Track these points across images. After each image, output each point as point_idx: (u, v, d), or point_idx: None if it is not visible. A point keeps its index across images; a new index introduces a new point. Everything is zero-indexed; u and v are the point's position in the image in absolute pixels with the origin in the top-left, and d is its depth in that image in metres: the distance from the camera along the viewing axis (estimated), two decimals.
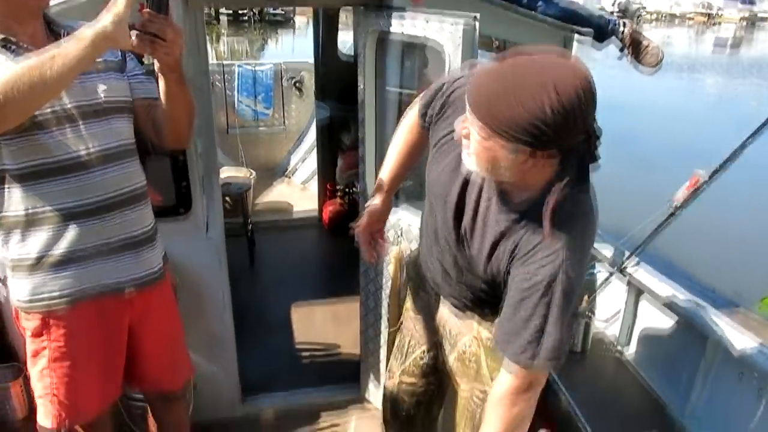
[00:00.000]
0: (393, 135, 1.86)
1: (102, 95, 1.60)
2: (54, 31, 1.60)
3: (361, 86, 2.53)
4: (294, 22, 32.26)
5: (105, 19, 1.31)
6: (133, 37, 1.34)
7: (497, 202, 1.36)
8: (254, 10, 27.77)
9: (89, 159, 1.56)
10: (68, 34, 1.55)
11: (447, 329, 1.74)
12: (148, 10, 1.35)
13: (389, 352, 2.08)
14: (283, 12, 31.61)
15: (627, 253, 2.32)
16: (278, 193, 5.45)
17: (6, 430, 1.83)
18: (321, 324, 3.58)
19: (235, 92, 5.59)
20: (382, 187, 1.82)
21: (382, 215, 1.84)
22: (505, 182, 1.31)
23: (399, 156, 1.80)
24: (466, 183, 1.43)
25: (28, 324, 1.64)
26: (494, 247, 1.37)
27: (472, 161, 1.27)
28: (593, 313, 2.37)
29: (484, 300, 1.56)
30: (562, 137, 1.13)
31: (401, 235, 2.47)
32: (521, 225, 1.32)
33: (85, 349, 1.69)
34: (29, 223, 1.55)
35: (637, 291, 2.35)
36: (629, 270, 2.33)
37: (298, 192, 5.45)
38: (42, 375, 1.68)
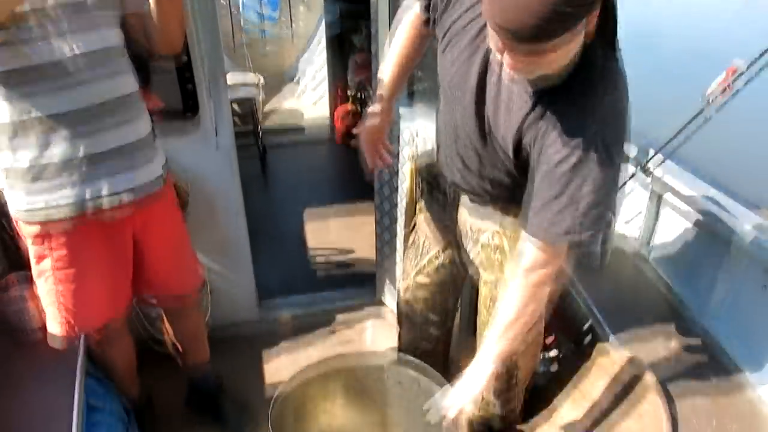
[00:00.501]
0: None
1: None
2: None
3: None
4: None
5: None
6: None
7: (521, 80, 1.26)
8: None
9: (74, 61, 1.48)
10: None
11: (467, 227, 1.71)
12: None
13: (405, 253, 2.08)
14: None
15: (651, 152, 2.22)
16: (287, 100, 5.32)
17: (24, 338, 1.85)
18: (335, 230, 3.57)
19: None
20: (383, 92, 1.71)
21: (383, 122, 1.74)
22: None
23: (399, 57, 1.69)
24: (484, 67, 1.34)
25: (28, 230, 1.62)
26: (521, 125, 1.29)
27: (529, 75, 1.20)
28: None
29: (508, 189, 1.51)
30: None
31: (417, 135, 2.38)
32: (549, 98, 1.24)
33: (88, 258, 1.68)
34: (16, 130, 1.50)
35: (659, 191, 2.27)
36: (653, 170, 2.25)
37: (309, 97, 5.32)
38: (47, 282, 1.67)
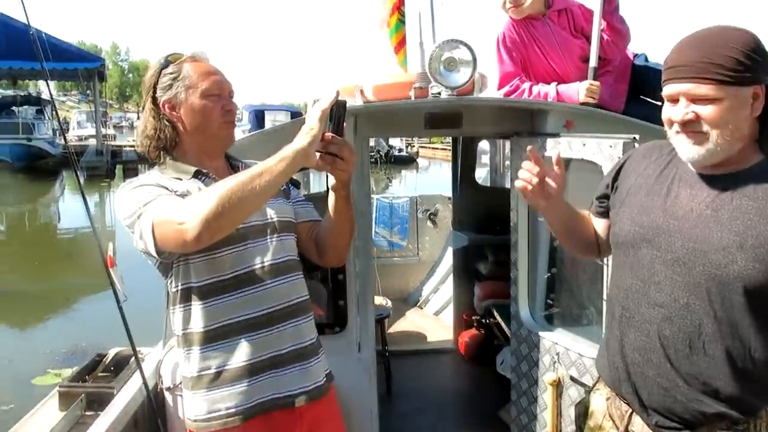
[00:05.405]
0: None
1: (274, 215, 1.75)
2: (233, 165, 1.83)
3: (513, 210, 2.57)
4: (417, 162, 33.85)
5: (303, 140, 1.46)
6: (317, 156, 1.49)
7: (725, 183, 1.39)
8: (381, 152, 29.56)
9: (262, 272, 1.69)
10: (244, 166, 1.75)
11: None
12: (330, 133, 1.51)
13: None
14: (407, 154, 33.45)
15: None
16: (411, 323, 5.44)
17: None
18: None
19: (373, 223, 5.83)
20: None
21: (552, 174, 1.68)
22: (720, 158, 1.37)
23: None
24: (674, 196, 1.46)
25: None
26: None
27: (704, 144, 1.35)
28: None
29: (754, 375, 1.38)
30: None
31: (558, 360, 2.36)
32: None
33: None
34: (210, 337, 1.66)
35: None
36: None
37: (432, 322, 5.42)
38: None
